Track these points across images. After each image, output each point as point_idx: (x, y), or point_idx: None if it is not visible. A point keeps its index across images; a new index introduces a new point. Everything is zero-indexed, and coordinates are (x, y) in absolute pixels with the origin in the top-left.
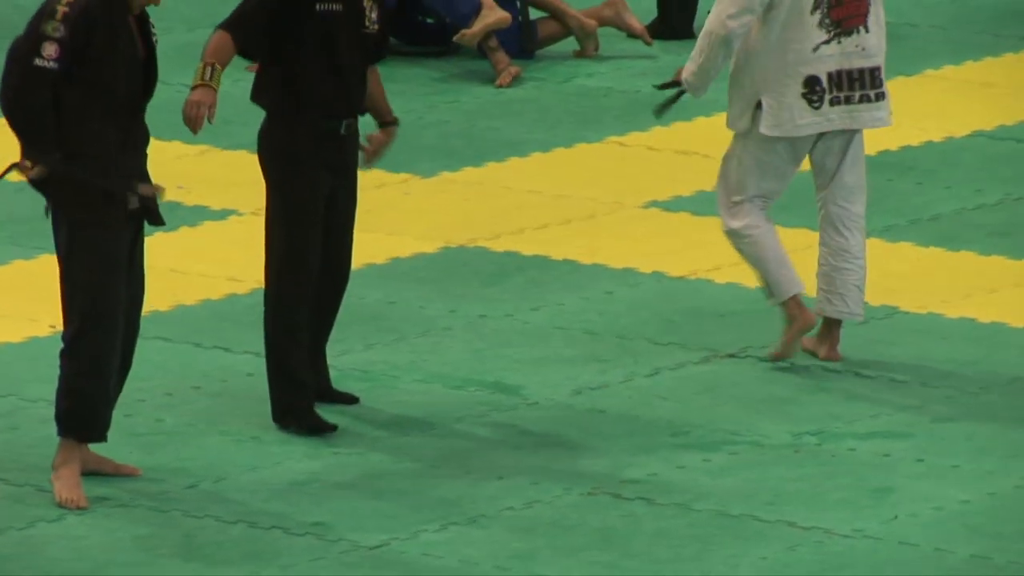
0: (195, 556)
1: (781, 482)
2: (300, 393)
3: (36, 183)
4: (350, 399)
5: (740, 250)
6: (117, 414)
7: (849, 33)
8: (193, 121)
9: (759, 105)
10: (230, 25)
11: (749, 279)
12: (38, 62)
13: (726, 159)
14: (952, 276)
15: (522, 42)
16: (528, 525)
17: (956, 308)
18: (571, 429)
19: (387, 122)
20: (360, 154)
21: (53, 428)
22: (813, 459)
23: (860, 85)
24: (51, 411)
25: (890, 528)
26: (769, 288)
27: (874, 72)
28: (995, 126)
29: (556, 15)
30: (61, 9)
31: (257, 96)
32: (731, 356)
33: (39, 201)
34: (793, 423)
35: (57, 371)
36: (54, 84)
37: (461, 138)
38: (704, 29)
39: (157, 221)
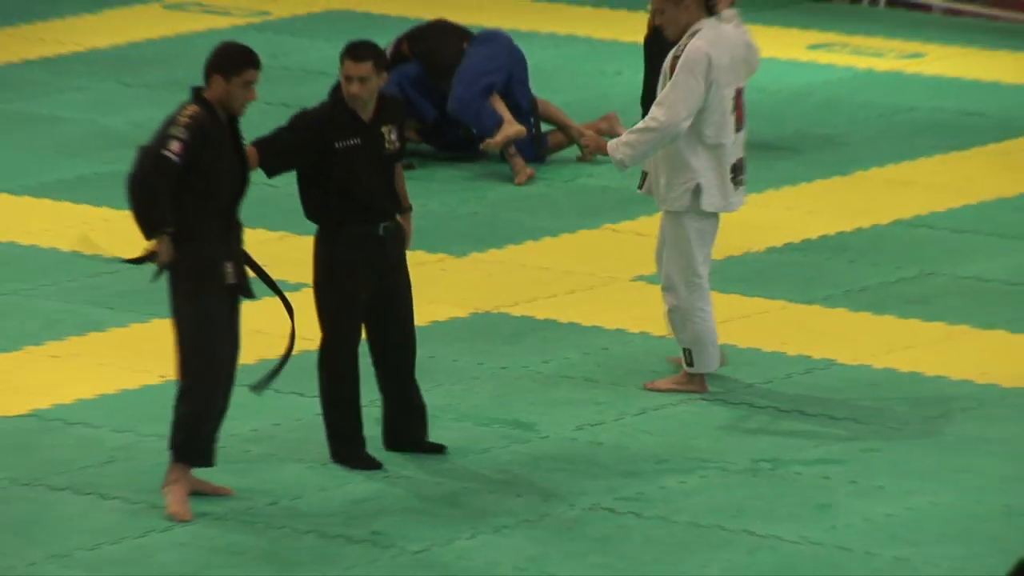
0: (275, 560)
1: (742, 499)
2: (347, 444)
3: (163, 265)
4: (439, 449)
5: (685, 323)
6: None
7: (739, 129)
8: None
9: (697, 187)
10: (261, 144)
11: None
12: (164, 153)
13: (674, 242)
14: (877, 335)
15: (535, 150)
16: (541, 534)
17: (881, 361)
18: (575, 457)
19: (403, 209)
20: None
21: (163, 457)
22: (768, 481)
23: (743, 171)
24: (161, 444)
25: (829, 535)
26: (695, 360)
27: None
28: (912, 215)
29: (562, 128)
30: (183, 119)
31: (307, 214)
32: (702, 399)
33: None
34: (752, 452)
35: (166, 412)
36: (176, 176)
37: (487, 226)
38: (651, 124)
39: (248, 295)
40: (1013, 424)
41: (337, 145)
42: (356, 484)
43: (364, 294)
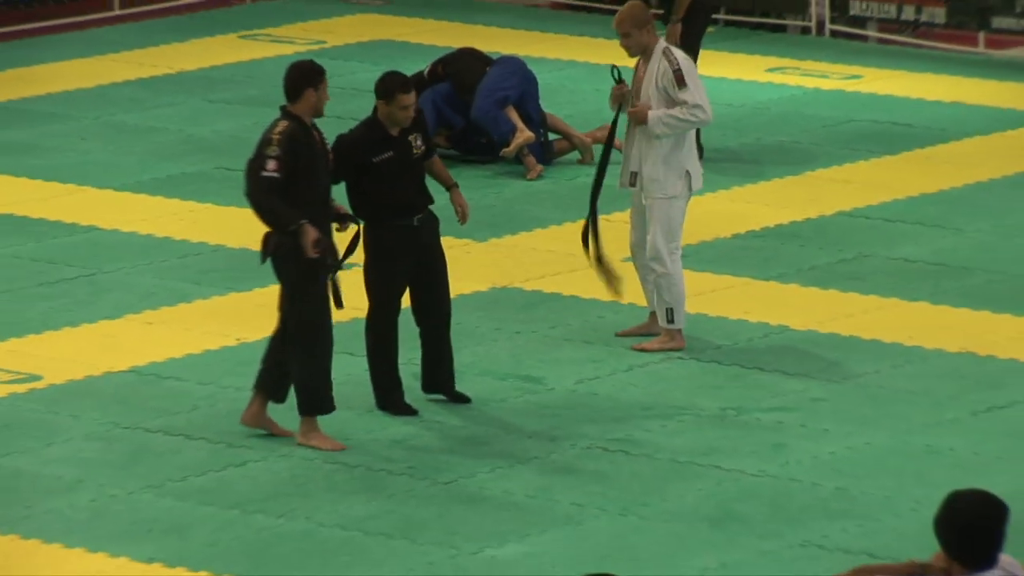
0: (331, 489)
1: (712, 440)
2: (388, 394)
3: (314, 243)
4: (465, 399)
5: (670, 287)
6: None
7: None
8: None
9: (687, 173)
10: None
11: (689, 308)
12: (264, 174)
13: (664, 221)
14: (823, 306)
15: (543, 154)
16: (547, 468)
17: (826, 327)
18: (575, 406)
19: (451, 186)
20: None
21: (238, 405)
22: (733, 425)
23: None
24: (237, 395)
25: (783, 470)
26: (676, 316)
27: None
28: (851, 208)
29: (566, 136)
30: (275, 137)
31: (355, 212)
32: (680, 358)
33: (219, 255)
34: (720, 402)
35: (242, 367)
36: (279, 187)
37: (503, 216)
38: (697, 118)
39: (338, 269)
40: (934, 379)
41: (375, 160)
42: (396, 428)
43: (403, 274)
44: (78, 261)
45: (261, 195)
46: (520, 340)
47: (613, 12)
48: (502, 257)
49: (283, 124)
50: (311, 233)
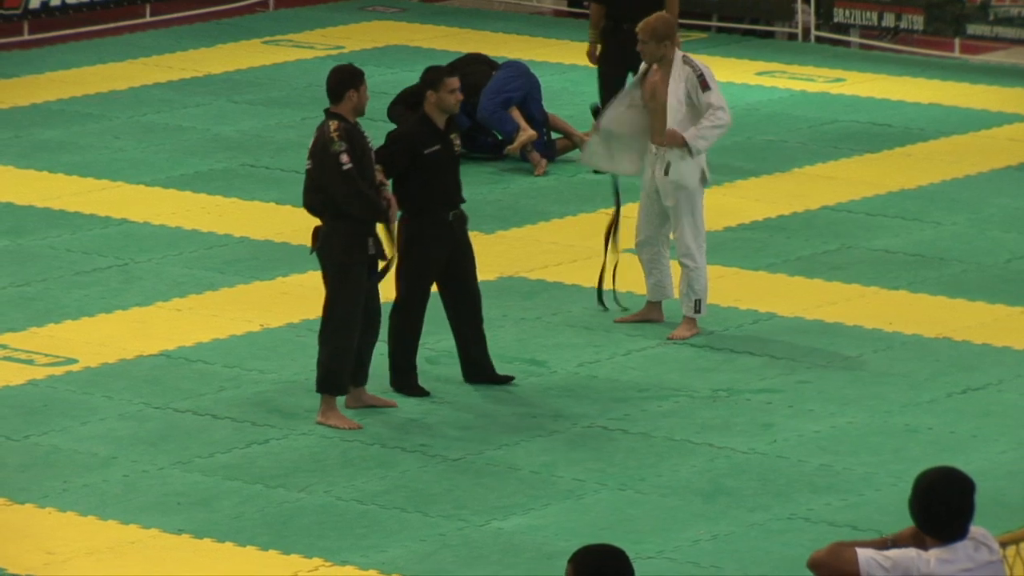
0: (348, 465)
1: (705, 419)
2: (404, 376)
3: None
4: (507, 379)
5: (700, 278)
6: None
7: None
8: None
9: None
10: (380, 160)
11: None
12: (345, 169)
13: (689, 215)
14: (809, 294)
15: (547, 152)
16: (550, 445)
17: (811, 314)
18: (576, 387)
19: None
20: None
21: (261, 387)
22: (724, 405)
23: None
24: (262, 377)
25: (771, 447)
26: (703, 307)
27: None
28: (835, 202)
29: (568, 136)
30: (334, 134)
31: (400, 203)
32: (674, 344)
33: (244, 246)
34: (713, 383)
35: (265, 352)
36: (358, 176)
37: (509, 210)
38: (723, 122)
39: (382, 257)
40: (912, 363)
41: (425, 152)
42: (409, 408)
43: (435, 265)
44: (111, 252)
45: (350, 187)
46: (525, 326)
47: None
48: (508, 248)
49: (334, 123)
50: (395, 206)
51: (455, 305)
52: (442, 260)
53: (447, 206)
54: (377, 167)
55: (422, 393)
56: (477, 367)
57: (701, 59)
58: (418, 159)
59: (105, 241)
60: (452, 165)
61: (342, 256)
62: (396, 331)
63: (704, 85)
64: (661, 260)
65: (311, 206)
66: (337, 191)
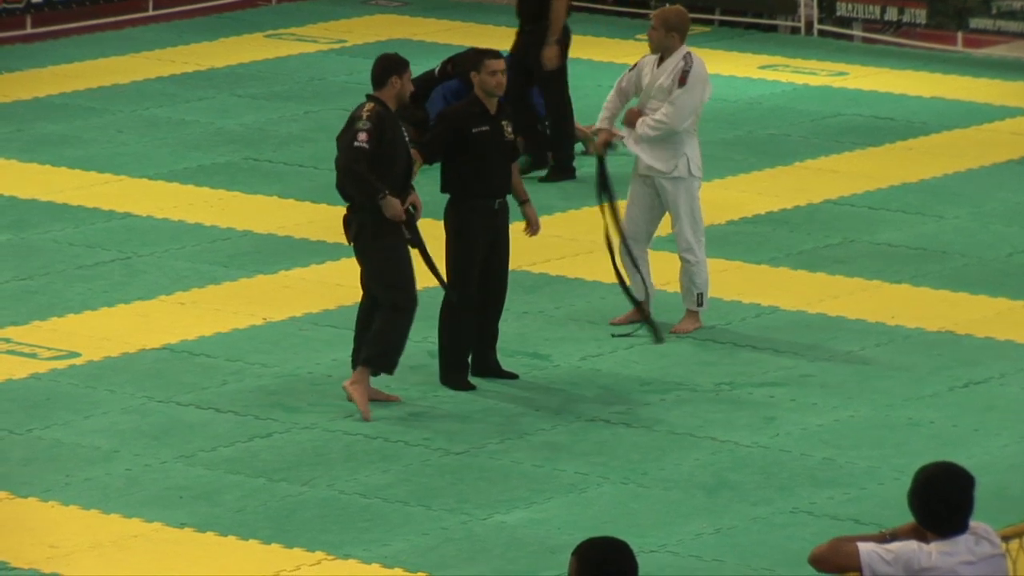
0: (351, 459)
1: (707, 413)
2: (453, 372)
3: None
4: (511, 376)
5: (701, 272)
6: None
7: None
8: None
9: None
10: (421, 146)
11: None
12: (356, 144)
13: (687, 209)
14: (811, 288)
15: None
16: (553, 439)
17: (814, 307)
18: (579, 381)
19: (523, 200)
20: (526, 230)
21: (264, 380)
22: (727, 399)
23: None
24: (264, 371)
25: (774, 441)
26: (705, 300)
27: None
28: (837, 196)
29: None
30: (364, 114)
31: (444, 187)
32: (678, 337)
33: (247, 240)
34: (715, 377)
35: (268, 345)
36: (368, 157)
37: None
38: (669, 122)
39: (416, 245)
40: (915, 356)
41: (474, 131)
42: (412, 402)
43: (480, 252)
44: (114, 245)
45: (353, 163)
46: (527, 320)
47: (613, 13)
48: (511, 242)
49: (371, 105)
50: (395, 204)
51: (483, 297)
52: (484, 248)
53: (492, 193)
54: (414, 150)
55: (470, 388)
56: (484, 361)
57: (704, 53)
58: (466, 139)
59: (108, 235)
60: (502, 150)
61: (380, 236)
62: (447, 324)
63: (682, 80)
64: (645, 258)
65: (341, 188)
66: (342, 158)
